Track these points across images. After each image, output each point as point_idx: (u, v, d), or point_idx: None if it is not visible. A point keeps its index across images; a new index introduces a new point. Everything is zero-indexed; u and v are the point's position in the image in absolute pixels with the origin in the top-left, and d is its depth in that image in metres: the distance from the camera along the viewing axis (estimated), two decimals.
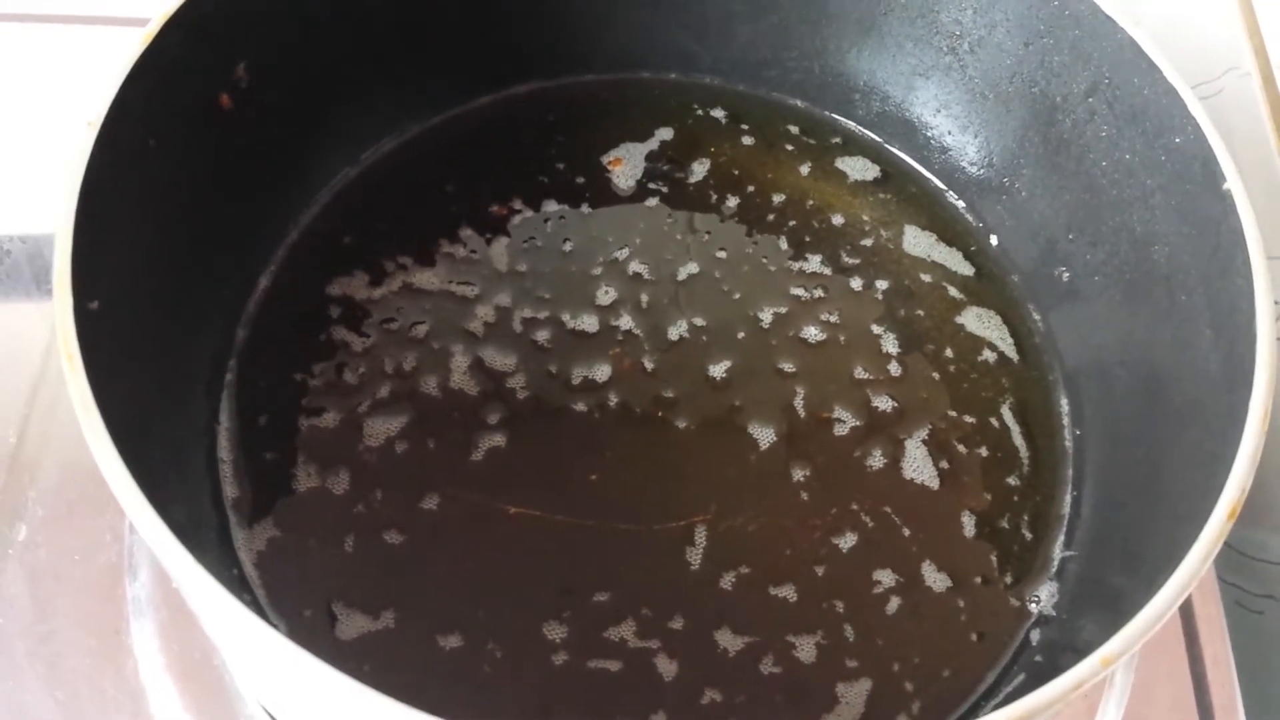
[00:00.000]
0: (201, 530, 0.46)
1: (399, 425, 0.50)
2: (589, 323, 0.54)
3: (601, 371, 0.52)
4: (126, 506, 0.33)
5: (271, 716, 0.48)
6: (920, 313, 0.56)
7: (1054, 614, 0.47)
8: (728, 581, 0.47)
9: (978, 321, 0.56)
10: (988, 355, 0.55)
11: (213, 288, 0.50)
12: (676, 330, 0.54)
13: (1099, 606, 0.44)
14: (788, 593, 0.47)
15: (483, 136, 0.60)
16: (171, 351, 0.46)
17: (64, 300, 0.36)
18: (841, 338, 0.54)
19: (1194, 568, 0.34)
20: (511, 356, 0.52)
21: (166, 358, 0.46)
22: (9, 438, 0.55)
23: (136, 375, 0.42)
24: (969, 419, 0.52)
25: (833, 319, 0.55)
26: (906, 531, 0.49)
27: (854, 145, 0.62)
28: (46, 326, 0.59)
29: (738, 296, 0.55)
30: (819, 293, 0.56)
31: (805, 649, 0.46)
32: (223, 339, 0.51)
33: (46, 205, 0.63)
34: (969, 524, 0.50)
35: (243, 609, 0.32)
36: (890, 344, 0.54)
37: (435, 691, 0.44)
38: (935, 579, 0.48)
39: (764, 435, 0.51)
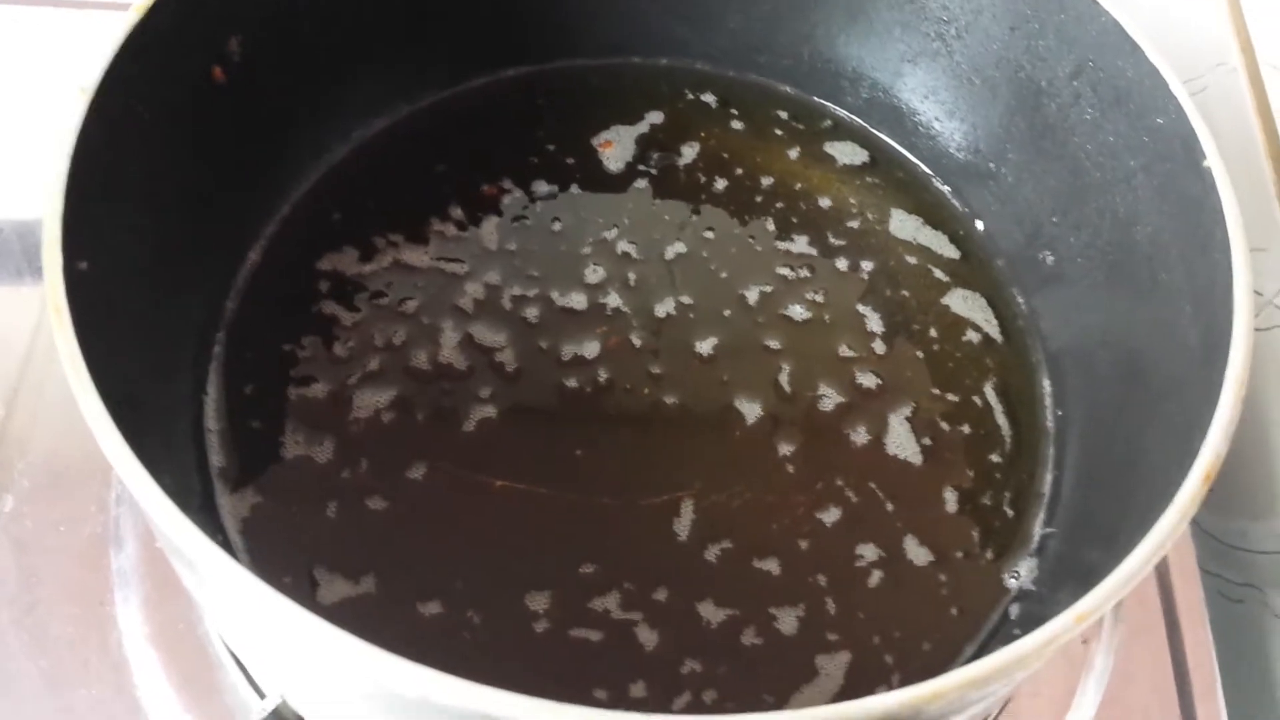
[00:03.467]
0: (186, 498, 0.45)
1: (388, 397, 0.50)
2: (578, 300, 0.54)
3: (590, 348, 0.53)
4: (112, 458, 0.33)
5: (253, 685, 0.48)
6: (905, 293, 0.56)
7: (1033, 589, 0.47)
8: (712, 554, 0.47)
9: (963, 303, 0.56)
10: (972, 336, 0.55)
11: (201, 258, 0.50)
12: (664, 308, 0.54)
13: (1075, 581, 0.44)
14: (771, 566, 0.47)
15: (473, 118, 0.61)
16: (159, 320, 0.47)
17: (53, 255, 0.37)
18: (827, 316, 0.55)
19: (1169, 528, 0.35)
20: (501, 333, 0.53)
21: (154, 326, 0.46)
22: None
23: (124, 341, 0.42)
24: (952, 398, 0.53)
25: (818, 298, 0.55)
26: (890, 507, 0.49)
27: (843, 130, 0.62)
28: (36, 306, 0.59)
29: (725, 275, 0.56)
30: (805, 273, 0.56)
31: (787, 621, 0.46)
32: (211, 310, 0.51)
33: (39, 189, 0.63)
34: (951, 500, 0.50)
35: (227, 559, 0.32)
36: (875, 323, 0.55)
37: (413, 655, 0.44)
38: (917, 553, 0.48)
39: (750, 411, 0.51)
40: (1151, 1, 0.68)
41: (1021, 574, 0.48)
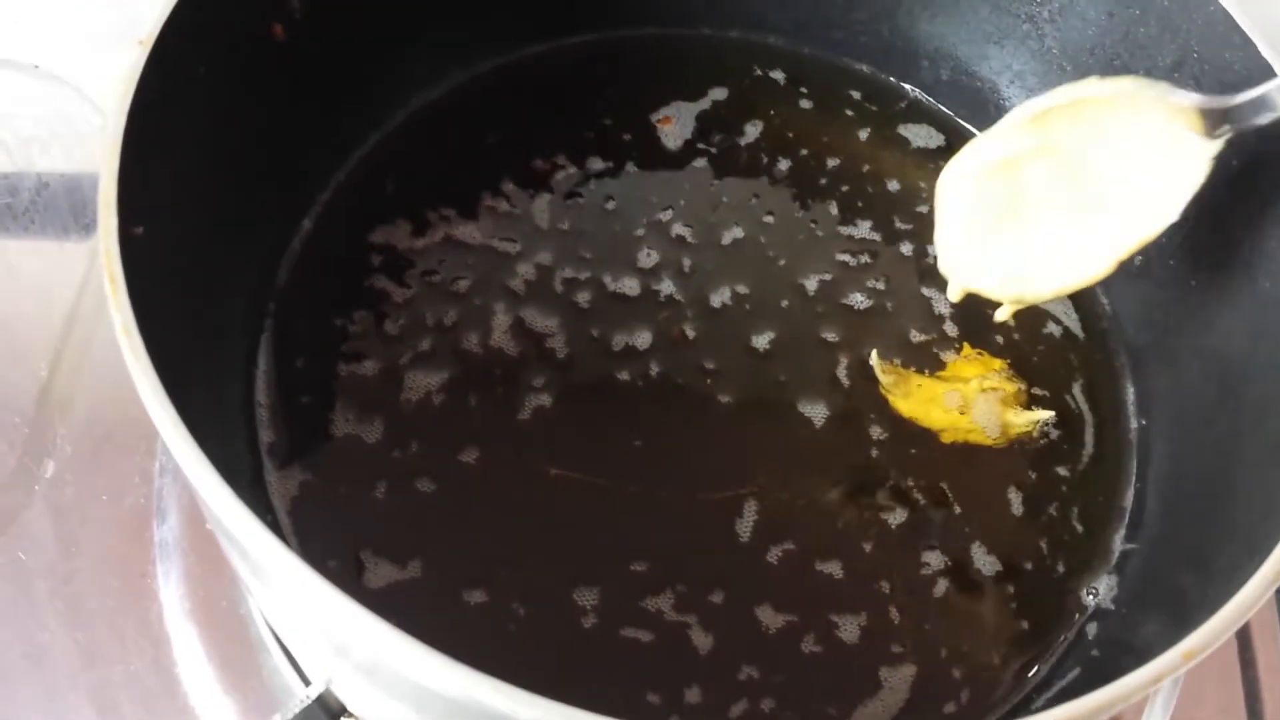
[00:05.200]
0: (235, 474, 0.44)
1: (439, 379, 0.48)
2: (630, 286, 0.52)
3: (642, 339, 0.50)
4: (166, 436, 0.32)
5: (297, 670, 0.47)
6: None
7: (1113, 608, 0.45)
8: (772, 556, 0.45)
9: None
10: (1052, 329, 0.53)
11: (255, 225, 0.49)
12: (719, 297, 0.52)
13: (1161, 604, 0.42)
14: (834, 569, 0.45)
15: (530, 88, 0.59)
16: (211, 288, 0.45)
17: (109, 221, 0.35)
18: (889, 304, 0.52)
19: None
20: (553, 318, 0.51)
21: (206, 294, 0.44)
22: (40, 371, 0.54)
23: (176, 310, 0.40)
24: (1039, 391, 0.50)
25: (879, 285, 0.53)
26: (958, 509, 0.47)
27: (918, 112, 0.59)
28: (83, 262, 0.58)
29: (783, 263, 0.53)
30: (865, 259, 0.54)
31: (849, 629, 0.44)
32: (262, 279, 0.50)
33: (87, 142, 0.62)
34: (1023, 508, 0.48)
35: (280, 546, 0.30)
36: (942, 304, 0.52)
37: (456, 646, 0.42)
38: (985, 562, 0.46)
39: (809, 407, 0.49)
40: None
41: (1100, 591, 0.46)
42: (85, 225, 0.60)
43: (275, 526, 0.44)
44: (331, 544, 0.44)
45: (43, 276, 0.59)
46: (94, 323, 0.56)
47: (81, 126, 0.63)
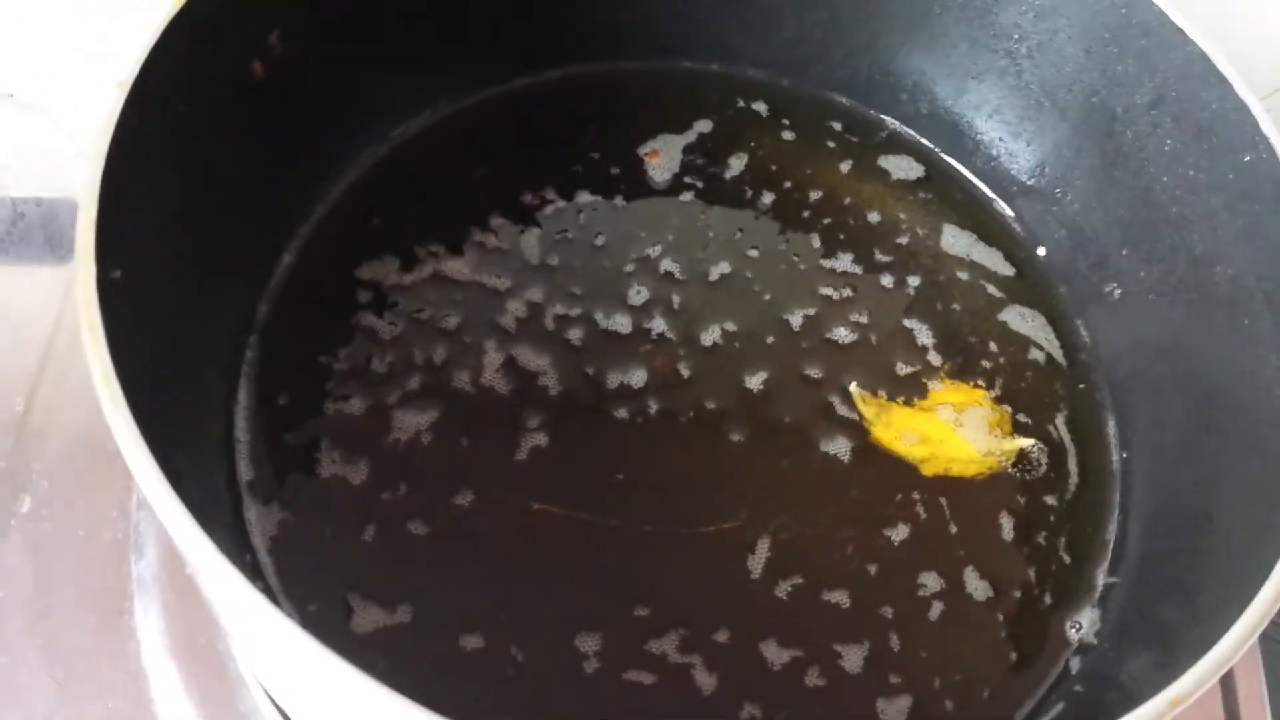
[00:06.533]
0: (214, 512, 0.44)
1: (429, 419, 0.48)
2: (621, 323, 0.52)
3: (637, 377, 0.50)
4: (144, 485, 0.31)
5: (277, 708, 0.46)
6: (956, 307, 0.54)
7: (1095, 643, 0.45)
8: (781, 590, 0.45)
9: (1021, 320, 0.54)
10: (1036, 355, 0.53)
11: (235, 260, 0.48)
12: (710, 336, 0.52)
13: (1144, 640, 0.43)
14: (840, 599, 0.45)
15: (516, 121, 0.58)
16: (190, 325, 0.44)
17: (87, 268, 0.34)
18: (872, 337, 0.53)
19: (1270, 601, 0.33)
20: (545, 356, 0.50)
21: (184, 331, 0.44)
22: (16, 405, 0.53)
23: (154, 348, 0.40)
24: (1023, 419, 0.51)
25: (862, 319, 0.53)
26: (954, 528, 0.47)
27: (898, 144, 0.60)
28: (59, 292, 0.57)
29: (769, 298, 0.54)
30: (847, 292, 0.54)
31: (852, 660, 0.44)
32: (243, 315, 0.49)
33: (62, 170, 0.61)
34: (1014, 534, 0.48)
35: (257, 595, 0.30)
36: (925, 335, 0.53)
37: (452, 693, 0.42)
38: (978, 587, 0.46)
39: (806, 440, 0.49)
40: (1231, 12, 0.65)
41: (1083, 625, 0.46)
42: (62, 255, 0.60)
43: (255, 566, 0.44)
44: (315, 586, 0.44)
45: (19, 307, 0.58)
46: (70, 354, 0.55)
47: (56, 155, 0.62)
